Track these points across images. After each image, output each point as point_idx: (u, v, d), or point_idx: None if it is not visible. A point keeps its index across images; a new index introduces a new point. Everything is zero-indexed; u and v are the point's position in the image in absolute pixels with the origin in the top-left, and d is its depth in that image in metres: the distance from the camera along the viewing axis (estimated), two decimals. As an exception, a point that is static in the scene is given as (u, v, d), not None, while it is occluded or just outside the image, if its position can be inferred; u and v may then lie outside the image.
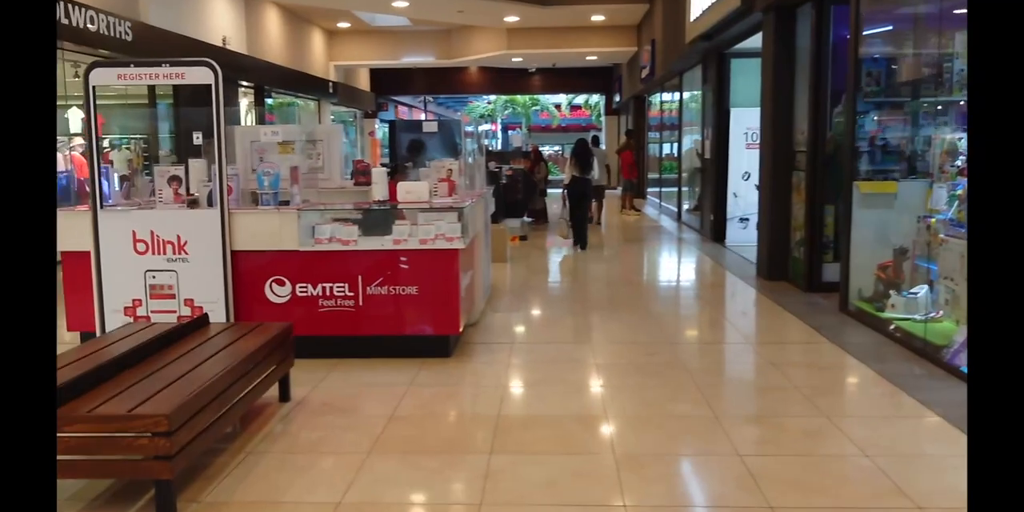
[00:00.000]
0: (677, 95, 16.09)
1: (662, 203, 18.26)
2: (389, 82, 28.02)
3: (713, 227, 11.79)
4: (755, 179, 11.27)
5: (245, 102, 17.53)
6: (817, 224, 7.52)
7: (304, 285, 5.19)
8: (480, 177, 7.56)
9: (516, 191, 13.64)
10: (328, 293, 5.19)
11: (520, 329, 6.20)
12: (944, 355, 5.04)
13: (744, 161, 11.25)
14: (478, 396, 4.46)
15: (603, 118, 29.33)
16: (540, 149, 17.61)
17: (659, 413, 4.21)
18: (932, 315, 5.72)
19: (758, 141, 11.15)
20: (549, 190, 17.09)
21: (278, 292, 5.19)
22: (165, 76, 4.94)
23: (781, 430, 3.91)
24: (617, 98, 26.09)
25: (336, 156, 7.20)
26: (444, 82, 28.82)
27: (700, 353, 5.50)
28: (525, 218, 14.68)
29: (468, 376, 4.95)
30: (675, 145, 17.24)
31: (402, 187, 5.60)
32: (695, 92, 14.14)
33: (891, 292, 6.05)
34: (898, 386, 4.53)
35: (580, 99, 34.42)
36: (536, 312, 7.03)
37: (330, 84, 21.38)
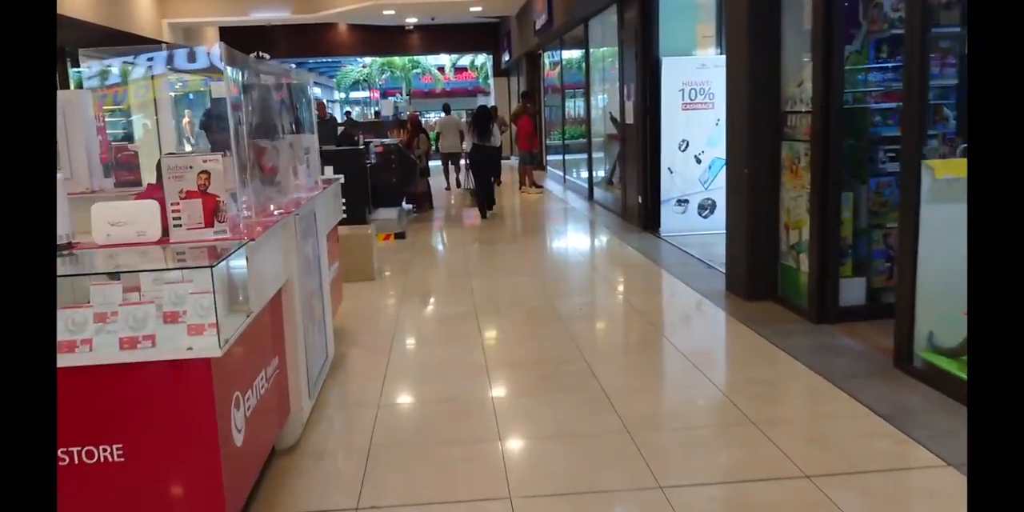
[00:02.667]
0: (580, 50, 13.40)
1: (566, 176, 15.64)
2: (244, 44, 23.39)
3: (643, 212, 9.21)
4: (696, 149, 8.75)
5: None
6: (830, 221, 4.98)
7: None
8: (310, 167, 4.67)
9: (389, 172, 10.71)
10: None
11: (376, 458, 3.40)
12: None
13: (681, 126, 8.68)
14: None
15: (491, 80, 26.45)
16: (421, 117, 14.65)
17: None
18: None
19: (702, 99, 8.62)
20: (433, 164, 14.22)
21: None
22: None
23: None
24: (506, 57, 23.23)
25: (80, 142, 4.29)
26: (310, 43, 25.30)
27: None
28: (404, 205, 11.80)
29: None
30: (579, 107, 14.63)
31: (98, 214, 2.68)
32: (606, 41, 11.46)
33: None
34: None
35: (465, 60, 31.34)
36: (407, 400, 4.24)
37: (163, 46, 17.67)
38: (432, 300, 6.51)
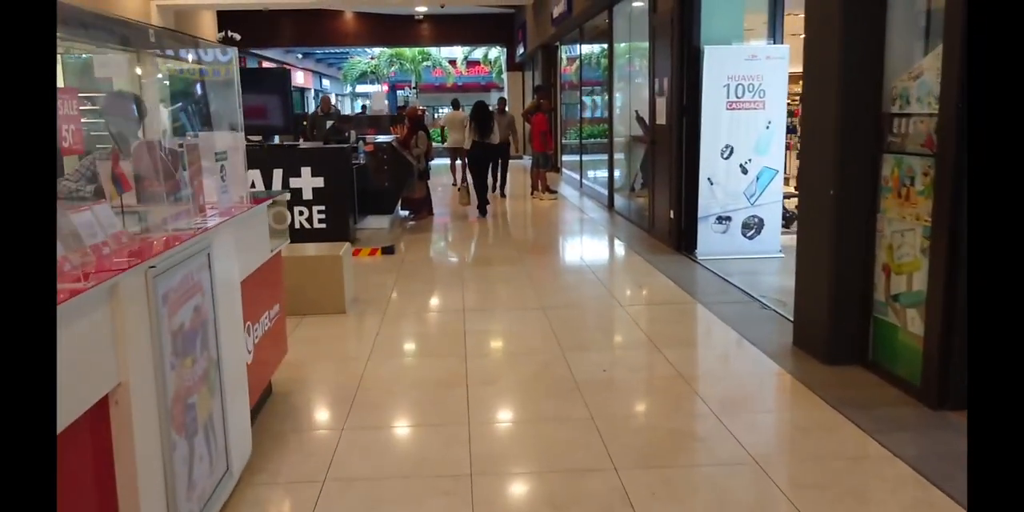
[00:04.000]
0: (602, 41, 11.98)
1: (583, 181, 14.22)
2: (246, 31, 22.92)
3: (675, 230, 7.80)
4: (741, 156, 7.32)
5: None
6: (960, 266, 3.55)
7: None
8: (228, 179, 3.28)
9: (381, 175, 9.33)
10: None
11: None
12: None
13: (725, 129, 7.25)
14: None
15: (504, 75, 25.03)
16: (422, 111, 13.20)
17: None
18: None
19: (751, 97, 7.20)
20: (439, 162, 12.83)
21: None
22: None
23: None
24: (520, 50, 21.83)
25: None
26: (315, 31, 24.01)
27: None
28: (400, 212, 10.45)
29: None
30: (599, 105, 13.22)
31: None
32: (634, 30, 10.05)
33: None
34: None
35: (478, 53, 29.93)
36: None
37: (150, 31, 16.29)
38: (411, 350, 5.09)
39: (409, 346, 5.07)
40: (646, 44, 8.84)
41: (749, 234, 7.44)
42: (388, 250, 8.05)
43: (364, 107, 26.48)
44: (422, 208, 10.58)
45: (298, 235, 7.96)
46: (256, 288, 3.40)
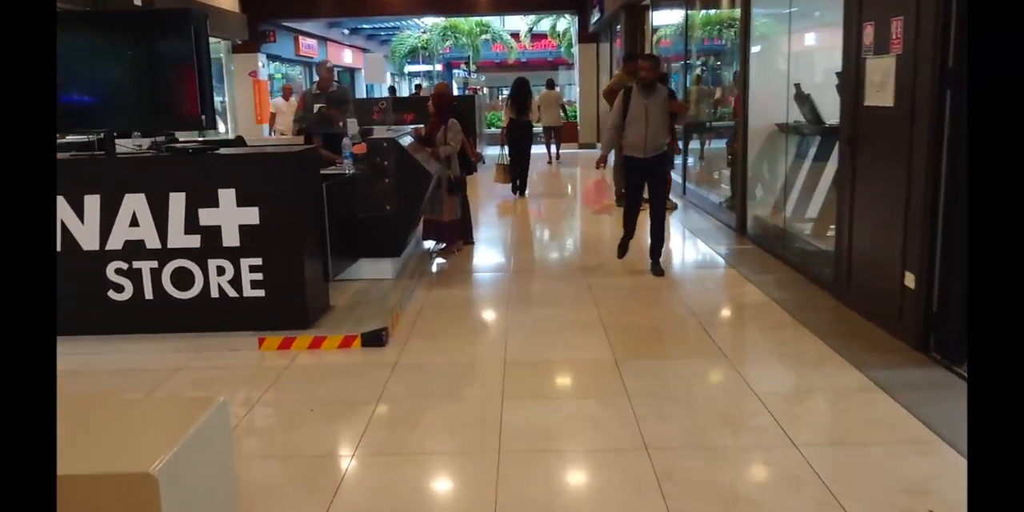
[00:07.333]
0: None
1: (687, 183, 10.39)
2: (279, 2, 19.68)
3: (917, 310, 4.03)
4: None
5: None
6: None
7: None
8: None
9: (379, 194, 5.75)
10: None
11: None
12: None
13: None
14: None
15: (575, 49, 21.21)
16: (472, 91, 9.55)
17: None
18: None
19: None
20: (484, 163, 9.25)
21: None
22: None
23: None
24: (595, 16, 17.99)
25: None
26: (357, 0, 20.56)
27: None
28: (427, 244, 6.93)
29: None
30: (718, 78, 9.48)
31: None
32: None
33: None
34: None
35: (544, 25, 26.08)
36: None
37: (135, -7, 12.97)
38: None
39: None
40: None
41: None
42: (373, 338, 4.46)
43: (419, 87, 23.05)
44: (454, 237, 6.97)
45: (215, 310, 4.46)
46: None
